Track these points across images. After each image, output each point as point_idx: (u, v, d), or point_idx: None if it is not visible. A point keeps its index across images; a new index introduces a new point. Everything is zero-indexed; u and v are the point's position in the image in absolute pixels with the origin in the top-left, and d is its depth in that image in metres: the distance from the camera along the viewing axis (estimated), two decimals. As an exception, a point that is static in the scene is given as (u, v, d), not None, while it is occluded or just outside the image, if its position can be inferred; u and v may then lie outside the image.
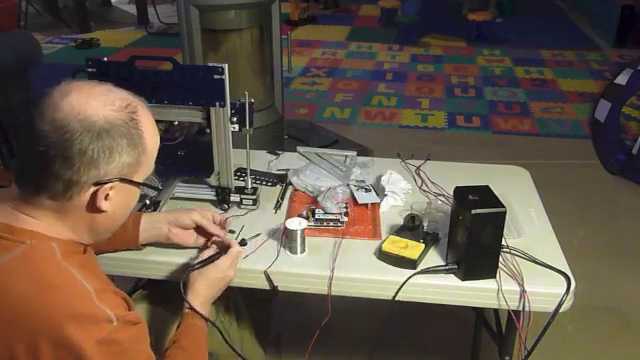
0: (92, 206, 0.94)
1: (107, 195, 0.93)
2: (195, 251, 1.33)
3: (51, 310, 0.85)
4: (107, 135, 0.89)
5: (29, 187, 0.92)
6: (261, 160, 1.77)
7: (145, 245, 1.32)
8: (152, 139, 0.97)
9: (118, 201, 0.96)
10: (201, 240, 1.34)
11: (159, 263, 1.33)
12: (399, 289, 1.26)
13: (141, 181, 0.99)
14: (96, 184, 0.91)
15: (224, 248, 1.27)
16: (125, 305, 0.95)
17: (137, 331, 0.93)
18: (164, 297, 1.43)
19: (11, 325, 0.85)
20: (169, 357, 1.08)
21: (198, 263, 1.24)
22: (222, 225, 1.35)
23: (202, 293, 1.19)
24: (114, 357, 0.88)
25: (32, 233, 0.92)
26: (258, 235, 1.39)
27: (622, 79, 3.34)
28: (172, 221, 1.31)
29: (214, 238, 1.32)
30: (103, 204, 0.93)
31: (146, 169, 0.99)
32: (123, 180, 0.94)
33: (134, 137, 0.93)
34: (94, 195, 0.92)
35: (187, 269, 1.24)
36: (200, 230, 1.33)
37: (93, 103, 0.89)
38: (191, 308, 1.16)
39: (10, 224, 0.91)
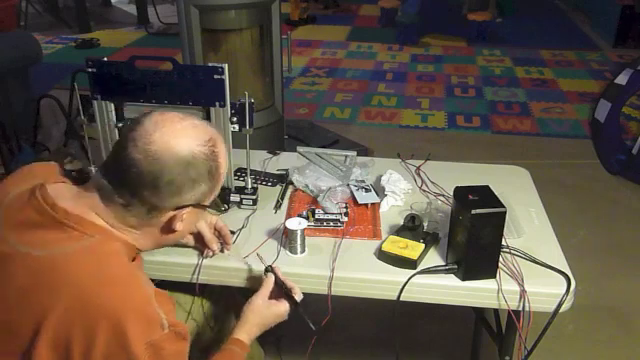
0: (167, 227, 1.03)
1: (182, 218, 1.02)
2: (191, 249, 1.34)
3: (115, 301, 0.90)
4: (193, 168, 0.98)
5: (115, 201, 0.98)
6: (261, 160, 1.77)
7: None
8: (225, 169, 1.06)
9: (189, 222, 1.06)
10: (198, 242, 1.34)
11: (162, 263, 1.33)
12: (402, 289, 1.26)
13: (208, 204, 1.07)
14: (176, 209, 1.01)
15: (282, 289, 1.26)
16: (174, 313, 0.99)
17: (182, 347, 0.98)
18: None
19: (73, 311, 0.89)
20: None
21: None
22: (220, 232, 1.33)
23: (253, 331, 1.21)
24: None
25: (100, 229, 0.98)
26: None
27: (622, 79, 3.34)
28: None
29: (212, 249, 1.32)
30: (177, 225, 1.03)
31: (215, 194, 1.08)
32: (197, 206, 1.03)
33: (213, 169, 1.02)
34: (172, 218, 1.02)
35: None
36: (200, 235, 1.32)
37: (183, 139, 0.98)
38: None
39: (82, 217, 0.97)
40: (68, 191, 1.02)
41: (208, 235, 1.30)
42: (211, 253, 1.32)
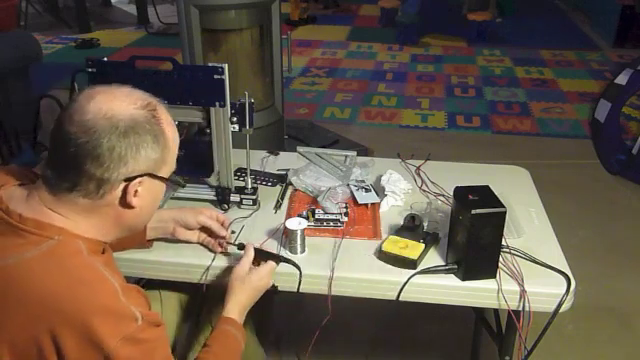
0: (123, 202, 0.97)
1: (136, 191, 0.97)
2: (201, 250, 1.34)
3: (78, 303, 0.87)
4: (133, 132, 0.93)
5: (62, 186, 0.94)
6: (261, 160, 1.77)
7: (152, 242, 1.34)
8: (173, 136, 1.01)
9: (146, 197, 0.99)
10: (203, 237, 1.36)
11: (162, 263, 1.34)
12: (401, 289, 1.26)
13: (166, 176, 1.02)
14: (126, 180, 0.95)
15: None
16: (147, 304, 0.97)
17: (159, 333, 0.96)
18: (168, 298, 1.43)
19: (38, 318, 0.86)
20: None
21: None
22: (224, 225, 1.36)
23: (242, 301, 1.21)
24: (138, 355, 0.89)
25: (60, 230, 0.94)
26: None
27: (622, 79, 3.34)
28: (178, 220, 1.33)
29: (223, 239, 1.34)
30: (133, 200, 0.97)
31: (170, 166, 1.02)
32: (151, 175, 0.98)
33: (157, 133, 0.96)
34: (125, 191, 0.96)
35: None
36: (204, 229, 1.35)
37: (117, 103, 0.93)
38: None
39: (38, 219, 0.94)
40: (21, 193, 0.98)
41: (214, 224, 1.32)
42: (219, 249, 1.33)
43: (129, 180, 0.95)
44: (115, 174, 0.93)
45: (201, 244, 1.36)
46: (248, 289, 1.21)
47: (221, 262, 1.32)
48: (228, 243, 1.34)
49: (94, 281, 0.91)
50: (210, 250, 1.35)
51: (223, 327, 1.16)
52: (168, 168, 1.02)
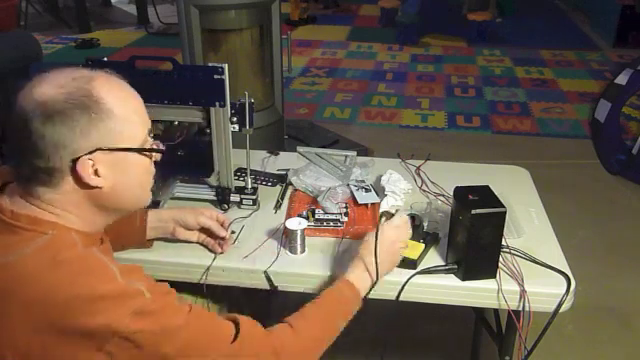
0: (84, 184, 0.92)
1: (96, 171, 0.92)
2: (201, 250, 1.35)
3: (81, 293, 0.85)
4: (58, 115, 0.87)
5: (22, 180, 0.93)
6: (261, 160, 1.77)
7: (152, 242, 1.34)
8: (118, 102, 0.93)
9: (113, 173, 0.94)
10: (203, 237, 1.35)
11: (163, 263, 1.33)
12: (401, 289, 1.26)
13: (136, 147, 0.95)
14: (72, 162, 0.90)
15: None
16: (150, 278, 0.95)
17: (169, 299, 0.94)
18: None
19: (40, 313, 0.85)
20: (300, 313, 1.10)
21: None
22: (224, 226, 1.35)
23: (366, 263, 1.18)
24: (153, 327, 0.88)
25: (53, 224, 0.93)
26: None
27: (622, 79, 3.35)
28: (178, 220, 1.32)
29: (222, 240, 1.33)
30: (93, 180, 0.92)
31: (131, 134, 0.95)
32: (102, 150, 0.91)
33: (90, 106, 0.89)
34: (78, 174, 0.91)
35: None
36: (204, 229, 1.34)
37: (44, 87, 0.89)
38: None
39: (30, 215, 0.92)
40: (7, 192, 0.96)
41: (214, 225, 1.31)
42: (219, 250, 1.32)
43: (74, 162, 0.90)
44: (58, 161, 0.89)
45: (201, 244, 1.36)
46: (378, 250, 1.18)
47: (221, 262, 1.32)
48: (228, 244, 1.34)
49: (93, 270, 0.89)
50: (210, 250, 1.35)
51: (339, 287, 1.14)
52: (131, 136, 0.94)
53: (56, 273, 0.87)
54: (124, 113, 0.93)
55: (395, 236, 1.23)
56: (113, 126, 0.91)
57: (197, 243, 1.36)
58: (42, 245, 0.90)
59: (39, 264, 0.88)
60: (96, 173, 0.92)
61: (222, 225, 1.34)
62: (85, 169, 0.91)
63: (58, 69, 0.92)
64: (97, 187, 0.93)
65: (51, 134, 0.87)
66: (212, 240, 1.35)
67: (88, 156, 0.90)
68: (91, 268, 0.90)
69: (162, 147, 1.03)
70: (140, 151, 0.97)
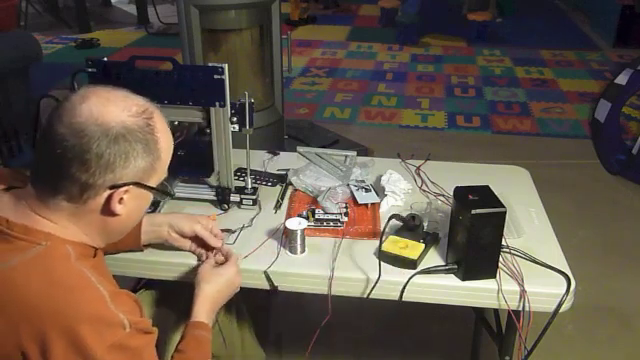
0: (107, 209, 0.95)
1: (121, 199, 0.95)
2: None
3: (66, 310, 0.85)
4: (123, 140, 0.91)
5: (46, 189, 0.93)
6: (261, 160, 1.77)
7: (147, 246, 1.33)
8: (166, 145, 0.99)
9: (132, 205, 0.97)
10: (195, 246, 1.33)
11: (162, 264, 1.33)
12: (403, 289, 1.26)
13: (154, 185, 1.00)
14: (111, 188, 0.93)
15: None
16: (138, 310, 0.95)
17: (148, 340, 0.94)
18: (167, 296, 1.43)
19: (25, 324, 0.85)
20: None
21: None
22: (219, 237, 1.33)
23: (211, 306, 1.19)
24: None
25: (48, 235, 0.92)
26: (239, 231, 1.40)
27: (622, 79, 3.34)
28: (173, 225, 1.31)
29: (215, 251, 1.31)
30: (117, 208, 0.95)
31: (160, 175, 1.00)
32: (138, 185, 0.95)
33: (150, 143, 0.94)
34: (109, 198, 0.94)
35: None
36: (197, 238, 1.32)
37: (111, 108, 0.91)
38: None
39: (26, 225, 0.92)
40: (9, 198, 0.96)
41: (208, 235, 1.30)
42: (212, 260, 1.30)
43: (114, 188, 0.93)
44: (100, 180, 0.91)
45: (192, 252, 1.34)
46: (214, 289, 1.20)
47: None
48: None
49: (81, 288, 0.89)
50: (200, 260, 1.32)
51: (195, 332, 1.13)
52: (158, 177, 1.00)
53: (44, 286, 0.87)
54: (166, 157, 1.00)
55: (236, 279, 1.25)
56: (156, 166, 0.97)
57: (189, 252, 1.34)
58: (35, 255, 0.90)
59: (29, 275, 0.88)
60: (120, 202, 0.95)
61: (218, 237, 1.32)
62: (117, 196, 0.94)
63: (112, 89, 0.94)
64: (116, 215, 0.96)
65: (109, 155, 0.90)
66: (203, 250, 1.32)
67: (126, 187, 0.94)
68: (79, 287, 0.89)
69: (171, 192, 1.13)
70: (162, 192, 1.04)
